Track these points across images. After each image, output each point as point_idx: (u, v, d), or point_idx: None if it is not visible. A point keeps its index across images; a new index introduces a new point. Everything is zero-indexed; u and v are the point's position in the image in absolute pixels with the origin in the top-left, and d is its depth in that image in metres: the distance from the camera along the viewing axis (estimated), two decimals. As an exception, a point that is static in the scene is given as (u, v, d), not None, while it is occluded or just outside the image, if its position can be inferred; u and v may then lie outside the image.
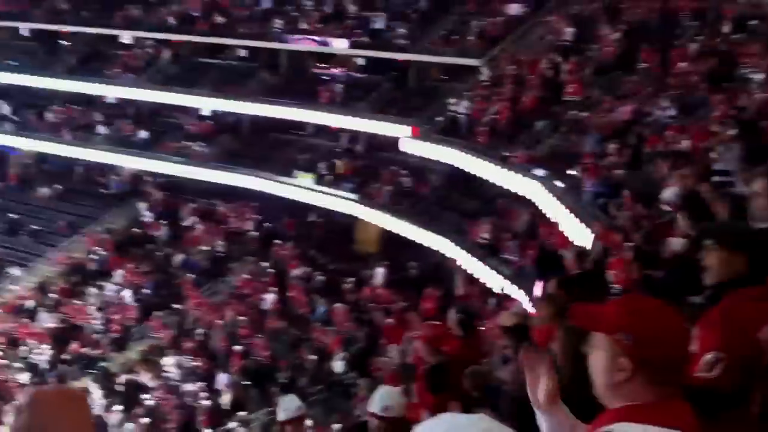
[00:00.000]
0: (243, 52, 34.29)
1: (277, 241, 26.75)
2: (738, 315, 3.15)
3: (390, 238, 25.45)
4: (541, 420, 2.55)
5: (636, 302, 2.35)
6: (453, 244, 21.87)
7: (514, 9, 28.08)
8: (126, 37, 35.81)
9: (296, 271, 25.00)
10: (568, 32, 23.73)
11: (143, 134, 32.17)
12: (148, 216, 30.26)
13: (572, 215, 16.65)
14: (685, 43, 19.19)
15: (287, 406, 6.61)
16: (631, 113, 17.99)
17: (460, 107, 24.35)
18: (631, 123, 17.57)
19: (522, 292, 16.79)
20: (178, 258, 27.66)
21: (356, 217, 26.75)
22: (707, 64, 17.39)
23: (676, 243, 8.30)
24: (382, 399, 5.39)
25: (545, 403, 2.52)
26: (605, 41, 22.02)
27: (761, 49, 16.05)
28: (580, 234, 15.78)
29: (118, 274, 27.62)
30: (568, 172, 18.15)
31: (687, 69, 17.80)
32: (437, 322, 9.51)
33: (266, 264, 25.76)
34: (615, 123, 18.08)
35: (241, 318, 23.57)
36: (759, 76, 15.43)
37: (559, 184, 18.27)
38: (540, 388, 2.53)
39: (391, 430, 5.28)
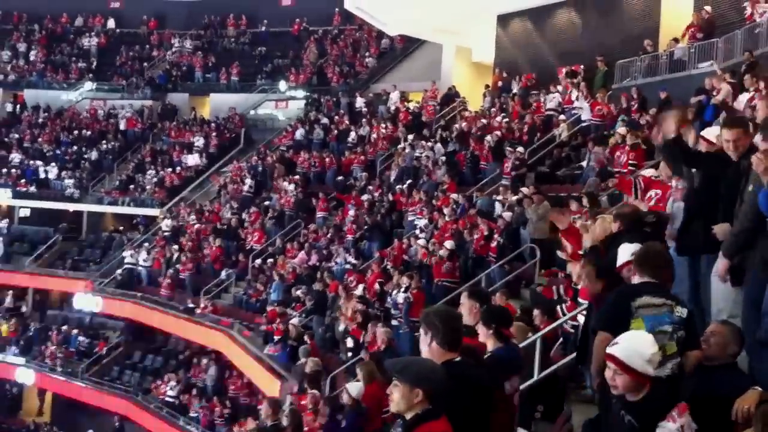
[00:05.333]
0: None
1: None
2: None
3: (64, 404, 23.39)
4: None
5: None
6: (135, 405, 20.39)
7: (192, 160, 28.22)
8: None
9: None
10: (248, 183, 24.20)
11: None
12: None
13: (260, 366, 16.36)
14: (357, 193, 20.41)
15: None
16: (314, 260, 18.51)
17: (140, 259, 23.35)
18: (314, 270, 18.01)
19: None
20: None
21: (24, 384, 24.45)
22: (378, 213, 18.59)
23: (353, 388, 8.61)
24: None
25: None
26: (283, 191, 22.70)
27: (424, 199, 17.54)
28: (270, 384, 15.49)
29: None
30: (256, 321, 17.98)
31: (360, 217, 18.86)
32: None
33: None
34: (299, 270, 18.41)
35: None
36: (422, 223, 16.77)
37: (246, 334, 17.99)
38: None
39: None
